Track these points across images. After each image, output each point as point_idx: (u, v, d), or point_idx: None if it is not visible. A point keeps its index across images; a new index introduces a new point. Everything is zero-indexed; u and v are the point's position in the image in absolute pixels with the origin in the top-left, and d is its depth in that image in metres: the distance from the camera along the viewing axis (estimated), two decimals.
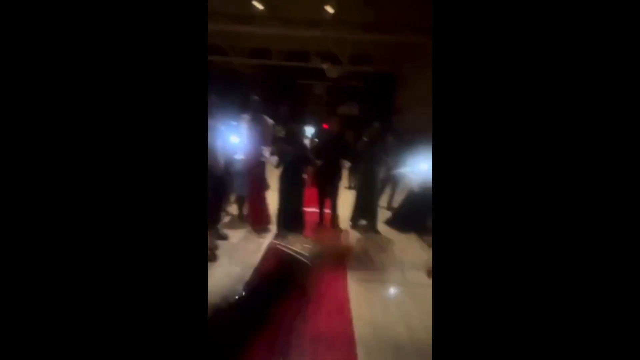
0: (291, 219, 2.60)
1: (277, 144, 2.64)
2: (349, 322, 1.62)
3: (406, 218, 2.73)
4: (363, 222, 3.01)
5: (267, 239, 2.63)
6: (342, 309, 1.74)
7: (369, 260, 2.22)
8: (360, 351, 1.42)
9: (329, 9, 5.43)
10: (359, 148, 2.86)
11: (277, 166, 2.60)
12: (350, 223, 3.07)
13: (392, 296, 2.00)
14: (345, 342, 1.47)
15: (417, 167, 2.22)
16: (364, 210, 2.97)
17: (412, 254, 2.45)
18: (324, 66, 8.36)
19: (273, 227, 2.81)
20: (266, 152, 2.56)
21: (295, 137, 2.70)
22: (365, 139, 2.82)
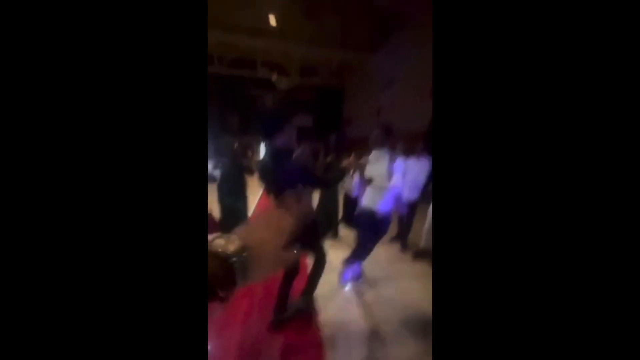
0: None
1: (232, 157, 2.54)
2: None
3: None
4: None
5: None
6: None
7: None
8: None
9: (272, 21, 5.44)
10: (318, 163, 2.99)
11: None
12: None
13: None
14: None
15: (371, 174, 2.36)
16: (325, 216, 3.04)
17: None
18: (273, 78, 8.31)
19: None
20: None
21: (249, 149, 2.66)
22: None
